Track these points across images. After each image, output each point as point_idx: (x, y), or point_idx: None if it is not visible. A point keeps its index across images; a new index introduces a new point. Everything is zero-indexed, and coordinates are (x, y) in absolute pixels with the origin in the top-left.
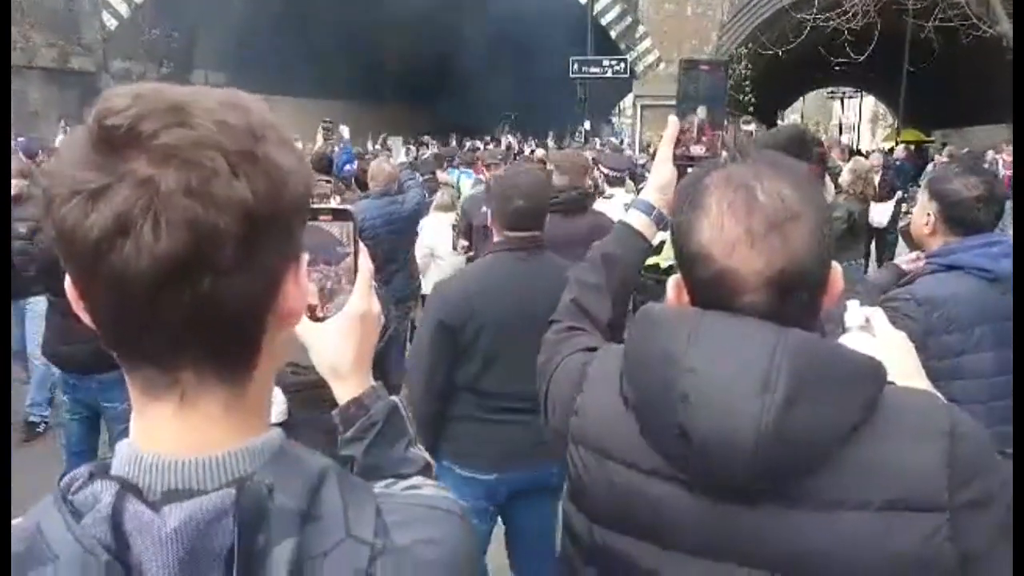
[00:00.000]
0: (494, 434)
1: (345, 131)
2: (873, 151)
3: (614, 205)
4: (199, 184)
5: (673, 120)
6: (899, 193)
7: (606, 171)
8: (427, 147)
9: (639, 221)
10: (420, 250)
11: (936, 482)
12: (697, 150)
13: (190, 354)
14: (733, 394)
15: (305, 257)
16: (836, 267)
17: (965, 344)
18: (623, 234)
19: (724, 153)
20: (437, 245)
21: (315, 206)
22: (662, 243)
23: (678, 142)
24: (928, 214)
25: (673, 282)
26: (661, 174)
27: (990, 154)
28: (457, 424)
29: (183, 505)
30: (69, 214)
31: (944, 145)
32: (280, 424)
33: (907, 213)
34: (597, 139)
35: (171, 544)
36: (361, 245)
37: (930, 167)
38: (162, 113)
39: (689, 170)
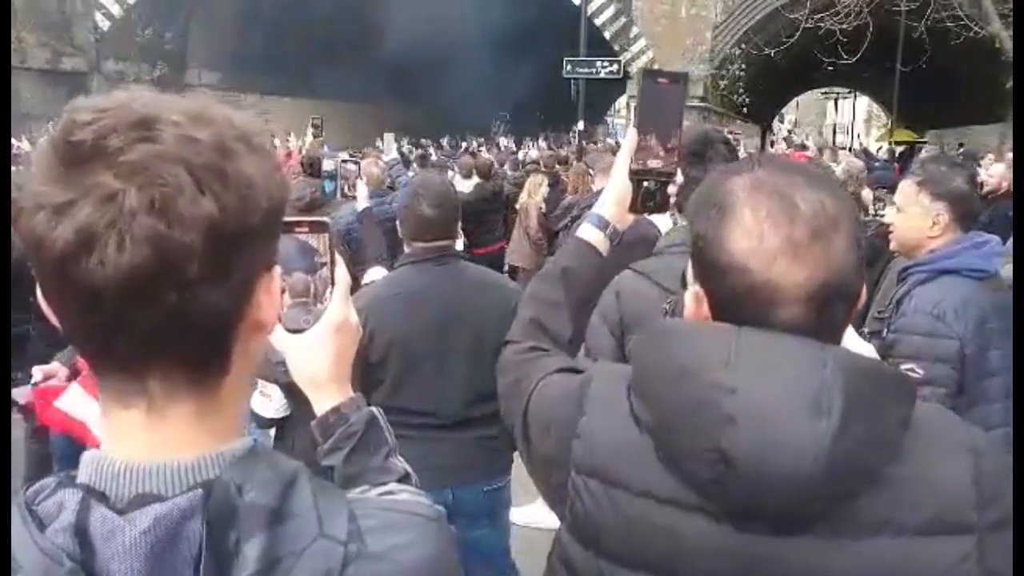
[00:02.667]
0: (402, 452)
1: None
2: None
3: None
4: (163, 202)
5: (631, 133)
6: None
7: None
8: (425, 149)
9: (594, 236)
10: None
11: (966, 502)
12: (655, 164)
13: (159, 362)
14: (784, 418)
15: (278, 268)
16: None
17: (986, 341)
18: (578, 249)
19: (679, 172)
20: None
21: (291, 219)
22: None
23: (636, 156)
24: (937, 214)
25: (693, 295)
26: (616, 188)
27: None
28: None
29: (150, 509)
30: (36, 227)
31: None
32: (282, 419)
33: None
34: (586, 142)
35: (139, 548)
36: (338, 256)
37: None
38: (127, 128)
39: (645, 184)
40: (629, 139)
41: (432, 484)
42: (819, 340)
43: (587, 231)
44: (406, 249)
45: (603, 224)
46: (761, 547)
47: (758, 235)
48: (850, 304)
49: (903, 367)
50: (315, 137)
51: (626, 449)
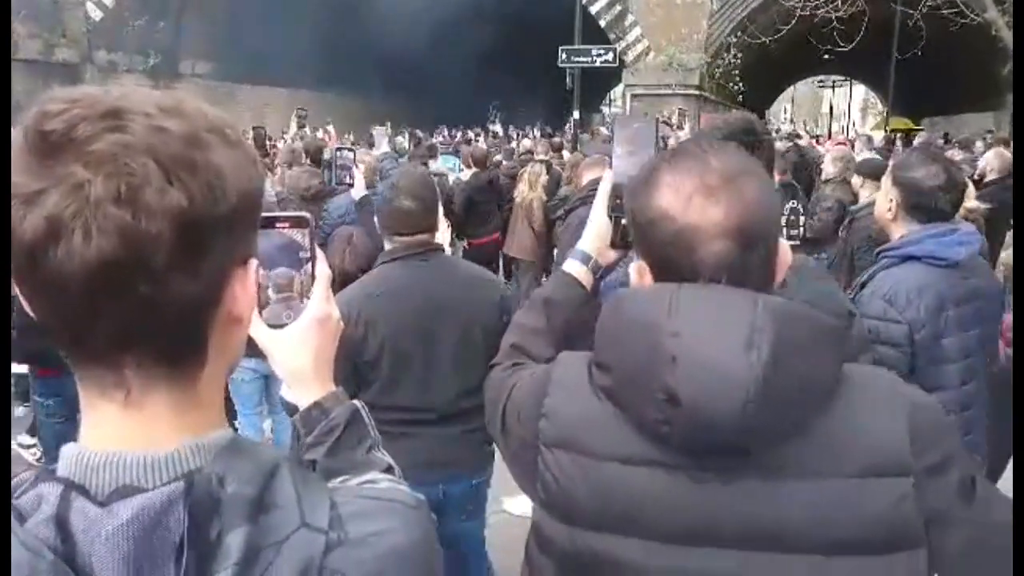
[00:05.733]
0: (395, 449)
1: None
2: (856, 138)
3: None
4: (129, 192)
5: (608, 174)
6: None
7: None
8: (419, 139)
9: (577, 270)
10: None
11: (902, 448)
12: None
13: (133, 353)
14: (720, 353)
15: (254, 262)
16: (782, 240)
17: (941, 329)
18: (562, 281)
19: None
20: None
21: (272, 214)
22: None
23: (613, 194)
24: (891, 200)
25: (635, 267)
26: (597, 225)
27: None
28: None
29: (131, 500)
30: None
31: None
32: None
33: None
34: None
35: (120, 540)
36: (319, 251)
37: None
38: (97, 118)
39: (623, 220)
40: (606, 180)
41: (423, 480)
42: (745, 280)
43: (571, 265)
44: (386, 244)
45: (586, 259)
46: (713, 495)
47: (675, 186)
48: (770, 246)
49: None
50: (300, 128)
51: (589, 419)
